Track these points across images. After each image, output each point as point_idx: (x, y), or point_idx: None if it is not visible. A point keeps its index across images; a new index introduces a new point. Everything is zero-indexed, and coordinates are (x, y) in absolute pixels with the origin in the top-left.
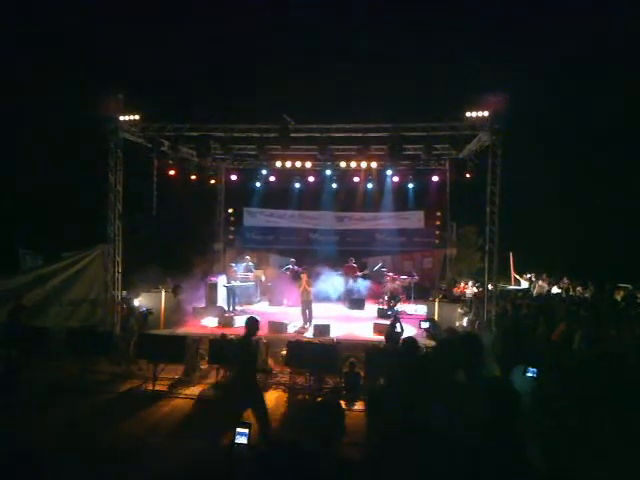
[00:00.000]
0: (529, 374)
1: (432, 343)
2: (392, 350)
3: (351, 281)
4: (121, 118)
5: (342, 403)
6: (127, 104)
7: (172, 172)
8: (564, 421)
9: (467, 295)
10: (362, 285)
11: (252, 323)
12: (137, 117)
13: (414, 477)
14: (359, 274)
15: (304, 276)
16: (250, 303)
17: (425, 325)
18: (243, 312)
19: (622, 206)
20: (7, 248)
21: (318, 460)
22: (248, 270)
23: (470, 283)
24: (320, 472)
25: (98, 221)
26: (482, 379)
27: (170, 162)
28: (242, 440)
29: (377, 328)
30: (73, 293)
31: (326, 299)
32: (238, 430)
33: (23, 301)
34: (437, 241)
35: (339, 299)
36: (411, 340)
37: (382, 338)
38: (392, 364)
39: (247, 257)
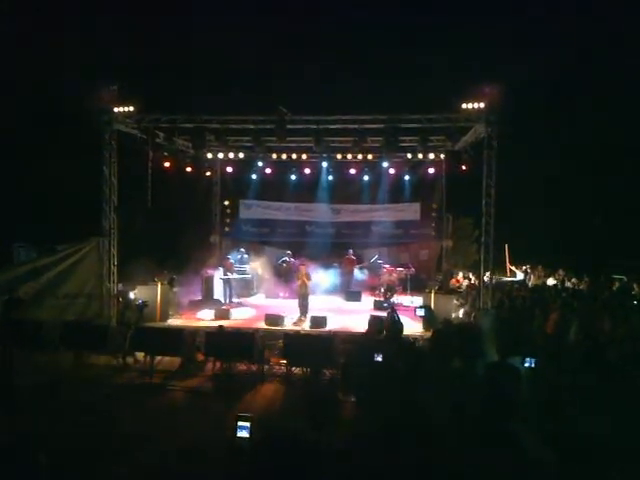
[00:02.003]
0: (527, 364)
1: (428, 334)
2: (390, 341)
3: (349, 273)
4: (115, 109)
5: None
6: (121, 95)
7: (167, 164)
8: (562, 409)
9: (463, 287)
10: (359, 277)
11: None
12: (131, 108)
13: (412, 466)
14: (358, 267)
15: (303, 268)
16: (246, 295)
17: (420, 312)
18: (240, 304)
19: (620, 198)
20: (1, 242)
21: (317, 449)
22: (244, 262)
23: (465, 274)
24: (319, 460)
25: (93, 214)
26: (485, 365)
27: (165, 154)
28: (243, 434)
29: None
30: (68, 286)
31: (323, 291)
32: (240, 424)
33: (17, 294)
34: (433, 233)
35: (336, 291)
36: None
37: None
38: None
39: (243, 249)
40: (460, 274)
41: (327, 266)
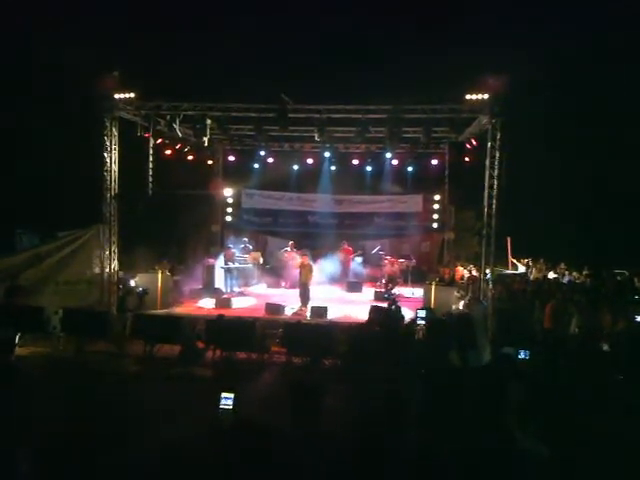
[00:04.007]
0: (521, 356)
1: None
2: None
3: (346, 264)
4: (116, 96)
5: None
6: (123, 81)
7: (169, 152)
8: (557, 402)
9: (464, 279)
10: (359, 267)
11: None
12: (133, 95)
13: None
14: (353, 255)
15: (304, 258)
16: (248, 285)
17: (422, 314)
18: (241, 294)
19: (621, 191)
20: (3, 228)
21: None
22: (246, 252)
23: (467, 266)
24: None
25: (94, 201)
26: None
27: (167, 141)
28: (227, 405)
29: None
30: (69, 273)
31: (324, 282)
32: (223, 395)
33: (19, 281)
34: (435, 225)
35: (337, 282)
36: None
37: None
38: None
39: (245, 239)
40: (460, 267)
41: (325, 256)
